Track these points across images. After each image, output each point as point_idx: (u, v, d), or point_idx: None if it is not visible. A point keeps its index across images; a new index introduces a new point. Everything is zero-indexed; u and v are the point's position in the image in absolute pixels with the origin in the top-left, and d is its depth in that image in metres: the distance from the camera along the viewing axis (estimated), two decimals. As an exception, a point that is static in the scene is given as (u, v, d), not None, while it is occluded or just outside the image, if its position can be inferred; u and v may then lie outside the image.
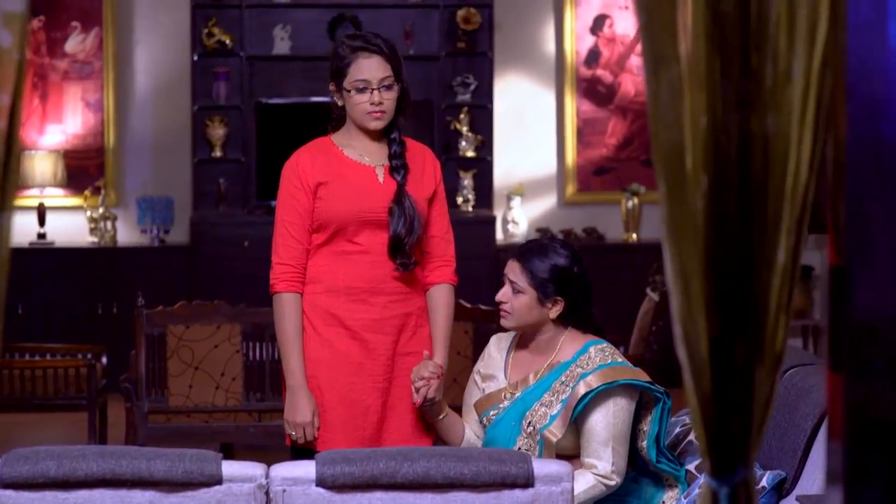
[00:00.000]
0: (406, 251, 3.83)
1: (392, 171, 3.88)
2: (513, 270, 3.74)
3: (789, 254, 1.69)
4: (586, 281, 3.74)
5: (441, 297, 3.93)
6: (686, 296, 1.70)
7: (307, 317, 3.85)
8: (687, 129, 1.65)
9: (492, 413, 3.78)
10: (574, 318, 3.74)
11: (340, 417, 3.82)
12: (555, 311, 3.71)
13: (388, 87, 3.83)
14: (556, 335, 3.75)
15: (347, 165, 3.88)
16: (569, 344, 3.74)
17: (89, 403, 6.61)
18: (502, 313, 3.76)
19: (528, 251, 3.75)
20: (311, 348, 3.83)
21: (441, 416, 3.83)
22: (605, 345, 3.73)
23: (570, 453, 3.66)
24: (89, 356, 6.88)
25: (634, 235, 8.88)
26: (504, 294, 3.73)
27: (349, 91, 3.83)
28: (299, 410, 3.79)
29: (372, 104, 3.81)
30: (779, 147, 1.65)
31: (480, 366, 3.88)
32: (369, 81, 3.81)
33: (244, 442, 6.11)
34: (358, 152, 3.91)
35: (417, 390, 3.78)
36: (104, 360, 7.03)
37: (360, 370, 3.84)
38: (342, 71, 3.84)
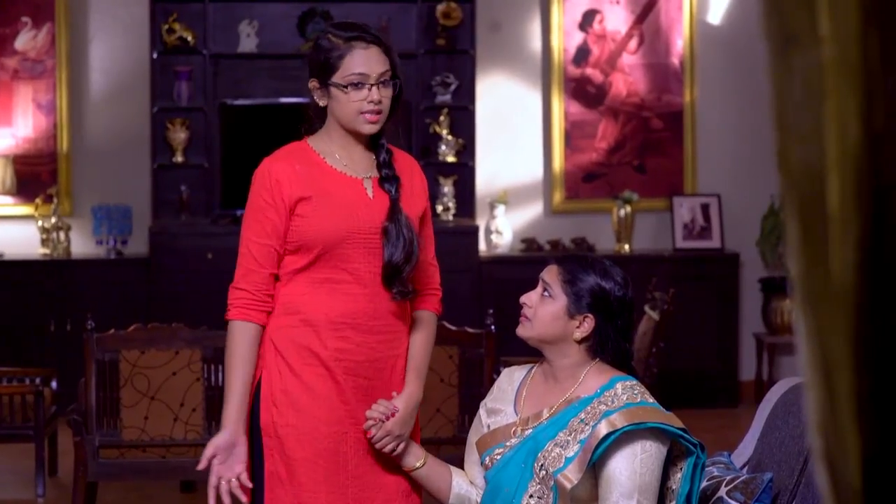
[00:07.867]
0: (403, 278, 3.43)
1: (382, 182, 3.47)
2: (550, 272, 3.34)
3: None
4: (628, 311, 3.32)
5: (422, 322, 3.54)
6: (828, 394, 1.22)
7: (280, 355, 3.40)
8: (831, 145, 1.20)
9: (496, 452, 3.33)
10: (603, 350, 3.31)
11: (321, 474, 3.40)
12: (581, 332, 3.28)
13: (386, 84, 3.45)
14: (579, 365, 3.32)
15: (332, 177, 3.45)
16: (593, 377, 3.31)
17: (36, 435, 6.38)
18: (521, 319, 3.33)
19: (574, 258, 3.39)
20: (287, 391, 3.39)
21: (417, 465, 3.45)
22: (634, 382, 3.29)
23: None
24: (37, 381, 6.68)
25: (627, 246, 8.68)
26: (530, 297, 3.32)
27: (342, 87, 3.39)
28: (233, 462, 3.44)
29: (370, 102, 3.40)
30: (966, 172, 1.21)
31: (489, 399, 3.46)
32: (367, 76, 3.40)
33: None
34: (342, 162, 3.47)
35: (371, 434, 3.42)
36: (54, 384, 6.80)
37: (344, 418, 3.42)
38: (331, 64, 3.38)
